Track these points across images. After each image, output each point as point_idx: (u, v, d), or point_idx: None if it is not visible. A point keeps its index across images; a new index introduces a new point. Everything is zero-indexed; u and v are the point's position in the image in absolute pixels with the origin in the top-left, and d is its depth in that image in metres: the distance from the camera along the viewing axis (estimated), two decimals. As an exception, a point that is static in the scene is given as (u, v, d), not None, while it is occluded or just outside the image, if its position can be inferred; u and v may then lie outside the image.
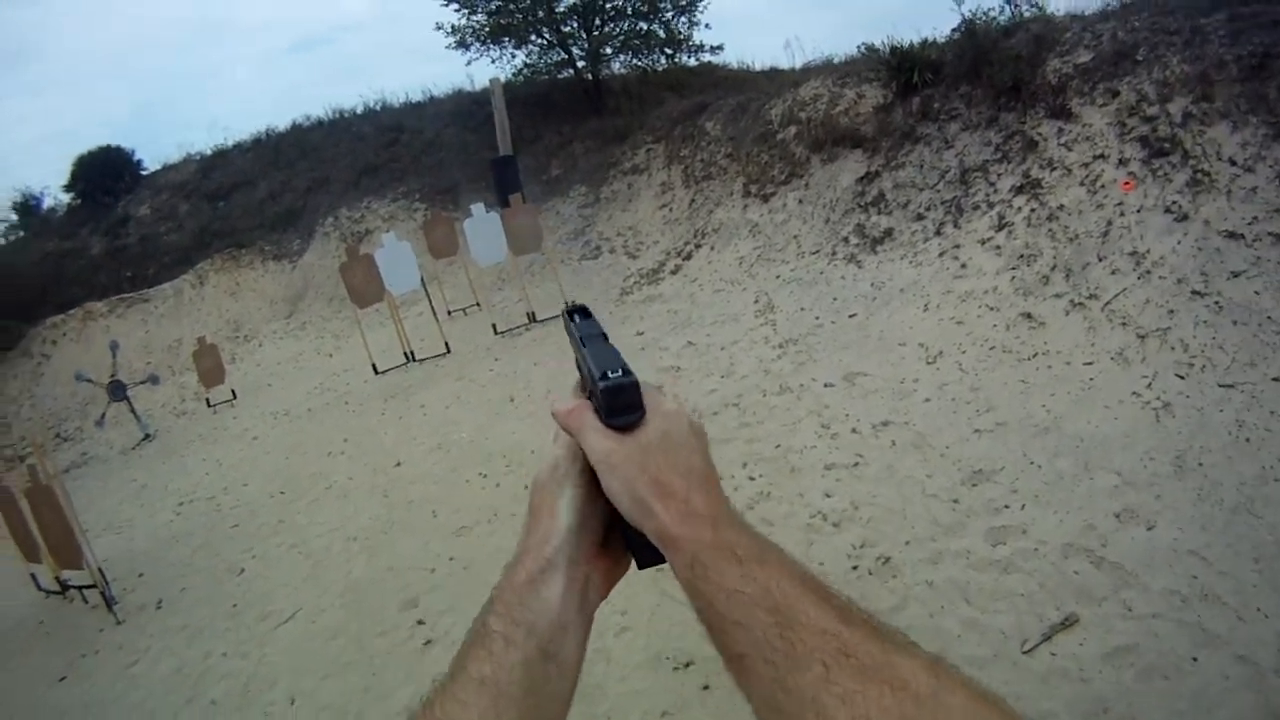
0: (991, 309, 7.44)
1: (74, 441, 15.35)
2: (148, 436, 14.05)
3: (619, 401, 0.80)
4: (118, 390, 14.26)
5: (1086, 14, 10.47)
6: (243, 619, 6.53)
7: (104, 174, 23.85)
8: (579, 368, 0.94)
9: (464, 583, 5.93)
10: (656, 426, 0.81)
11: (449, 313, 14.63)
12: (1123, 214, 7.38)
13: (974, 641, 3.91)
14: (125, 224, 22.74)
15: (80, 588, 7.88)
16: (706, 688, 4.05)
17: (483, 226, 12.70)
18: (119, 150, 24.79)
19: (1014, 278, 7.66)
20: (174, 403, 15.64)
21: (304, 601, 6.43)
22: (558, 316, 9.97)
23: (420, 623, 5.57)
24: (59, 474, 8.04)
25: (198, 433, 13.37)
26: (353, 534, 7.34)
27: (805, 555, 4.86)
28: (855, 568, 4.68)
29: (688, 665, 4.27)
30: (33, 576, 8.54)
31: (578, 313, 0.98)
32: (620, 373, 0.80)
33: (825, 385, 7.23)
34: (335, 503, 8.24)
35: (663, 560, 0.79)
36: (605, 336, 0.90)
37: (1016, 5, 11.14)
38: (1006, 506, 4.84)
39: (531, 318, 12.44)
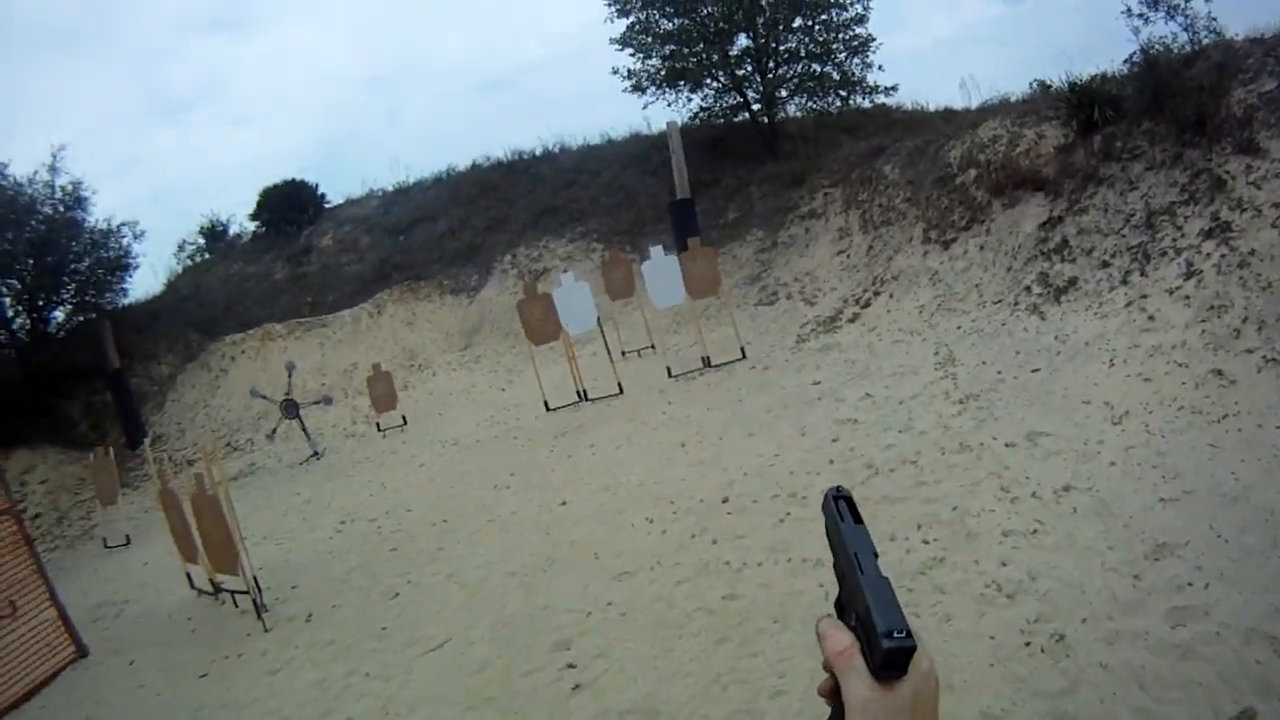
0: (1180, 365, 7.17)
1: (244, 452, 16.36)
2: (316, 454, 14.84)
3: (896, 661, 0.81)
4: (291, 408, 15.15)
5: (1267, 37, 9.97)
6: (390, 642, 6.73)
7: (289, 205, 25.38)
8: (841, 578, 0.91)
9: (620, 629, 5.98)
10: (912, 685, 0.83)
11: (623, 354, 14.87)
12: (1320, 261, 7.04)
13: None
14: (308, 253, 24.06)
15: (233, 592, 8.35)
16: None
17: (661, 269, 12.92)
18: (303, 184, 26.34)
19: (1204, 331, 7.37)
20: (344, 424, 16.45)
21: (454, 632, 6.59)
22: (732, 361, 10.11)
23: (571, 666, 5.64)
24: (225, 481, 8.51)
25: (365, 455, 13.99)
26: (511, 569, 7.48)
27: (977, 627, 4.83)
28: (1028, 644, 4.57)
29: None
30: (188, 575, 9.12)
31: (845, 502, 0.94)
32: (904, 634, 0.81)
33: (1006, 445, 7.11)
34: (496, 536, 8.44)
35: None
36: (876, 555, 0.89)
37: (1194, 32, 10.75)
38: (1189, 584, 4.66)
39: (706, 362, 12.56)
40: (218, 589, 8.63)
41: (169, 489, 9.20)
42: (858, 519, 0.92)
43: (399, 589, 7.80)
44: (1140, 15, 10.97)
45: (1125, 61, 11.22)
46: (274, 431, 15.79)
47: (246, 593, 8.01)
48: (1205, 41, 10.56)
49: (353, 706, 5.91)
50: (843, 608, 0.90)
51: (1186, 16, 10.80)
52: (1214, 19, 10.73)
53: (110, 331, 18.35)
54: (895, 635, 0.81)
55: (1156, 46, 10.70)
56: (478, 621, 6.68)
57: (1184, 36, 10.81)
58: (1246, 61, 9.41)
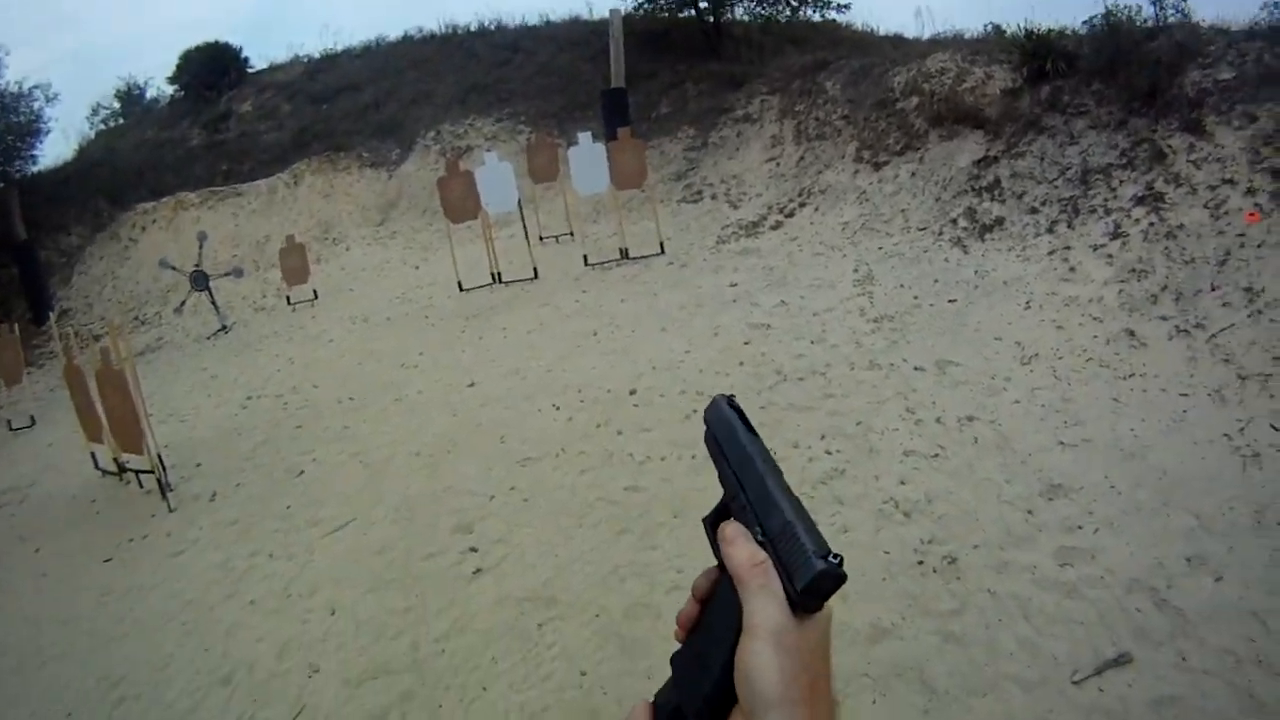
0: (1095, 319, 7.33)
1: (151, 326, 15.91)
2: (224, 328, 14.52)
3: (824, 589, 0.68)
4: (200, 280, 14.70)
5: (1233, 29, 10.15)
6: (294, 522, 6.74)
7: (210, 69, 24.31)
8: (736, 488, 0.80)
9: (522, 514, 6.04)
10: (820, 626, 0.70)
11: (541, 239, 14.73)
12: (1243, 245, 7.20)
13: (1025, 662, 3.93)
14: (226, 119, 23.14)
15: (138, 472, 8.19)
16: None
17: (587, 156, 12.72)
18: (226, 46, 25.23)
19: (1122, 291, 7.53)
20: (255, 297, 16.08)
21: (357, 512, 6.62)
22: (650, 256, 10.05)
23: (472, 550, 5.71)
24: (131, 357, 8.28)
25: (274, 329, 13.77)
26: (416, 449, 7.50)
27: (873, 541, 4.98)
28: (921, 562, 4.73)
29: None
30: (92, 455, 8.92)
31: (735, 410, 0.85)
32: (838, 561, 0.68)
33: (915, 368, 7.24)
34: (402, 415, 8.43)
35: None
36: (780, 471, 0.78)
37: (1161, 7, 10.84)
38: (1080, 527, 4.83)
39: (624, 253, 12.50)
40: (123, 469, 8.45)
41: (74, 365, 8.89)
42: (751, 430, 0.82)
43: (303, 467, 7.78)
44: (1110, -19, 10.98)
45: (1085, 22, 11.28)
46: (182, 304, 15.32)
47: (151, 472, 7.86)
48: (1170, 19, 10.64)
49: (256, 588, 5.91)
50: (728, 519, 0.79)
51: (1156, -10, 10.87)
52: (1184, 0, 10.81)
53: (17, 201, 17.56)
54: (830, 559, 0.68)
55: (1121, 14, 10.73)
56: (380, 502, 6.72)
57: (1150, 10, 10.91)
58: (1208, 47, 9.49)
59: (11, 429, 12.35)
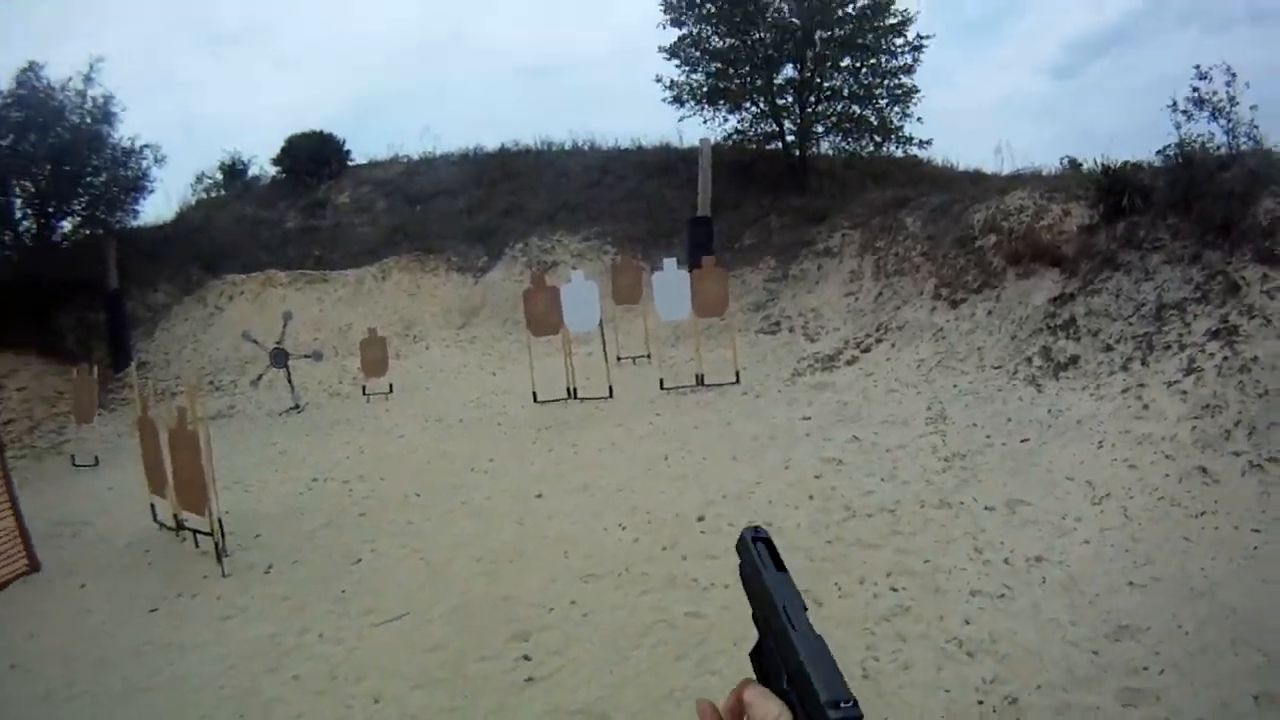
0: (1167, 457, 7.26)
1: (226, 393, 16.34)
2: (297, 407, 14.85)
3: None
4: (280, 357, 15.13)
5: (1306, 152, 10.11)
6: (347, 607, 6.76)
7: (312, 156, 25.12)
8: (763, 631, 0.84)
9: (580, 629, 6.01)
10: None
11: (619, 359, 14.86)
12: (1318, 379, 7.13)
13: None
14: (323, 207, 23.98)
15: (196, 531, 8.30)
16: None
17: (671, 281, 13.01)
18: (330, 137, 26.08)
19: (1195, 427, 7.47)
20: (330, 383, 16.45)
21: (413, 607, 6.61)
22: (726, 384, 10.17)
23: (526, 658, 5.66)
24: (205, 419, 8.51)
25: (346, 416, 14.02)
26: (479, 554, 7.51)
27: (935, 679, 4.89)
28: (981, 702, 4.63)
29: None
30: (152, 507, 9.09)
31: (764, 544, 0.87)
32: (851, 704, 0.72)
33: (985, 508, 7.18)
34: (468, 519, 8.47)
35: None
36: (806, 608, 0.81)
37: (1234, 136, 10.86)
38: (1145, 668, 4.73)
39: (700, 380, 12.61)
40: (181, 525, 8.60)
41: (149, 417, 9.21)
42: (780, 566, 0.85)
43: (362, 555, 7.83)
44: (1184, 111, 11.08)
45: (1159, 153, 11.32)
46: (259, 378, 15.77)
47: (210, 534, 7.99)
48: (1243, 146, 10.65)
49: (300, 665, 5.92)
50: (762, 663, 0.83)
51: (1229, 120, 10.90)
52: (1256, 126, 10.86)
53: (114, 250, 18.36)
54: (842, 706, 0.71)
55: (1194, 144, 10.77)
56: (438, 601, 6.70)
57: (1223, 138, 10.93)
58: (1280, 173, 9.50)
59: (75, 464, 12.81)
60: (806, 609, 0.80)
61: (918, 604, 5.83)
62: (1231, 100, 10.94)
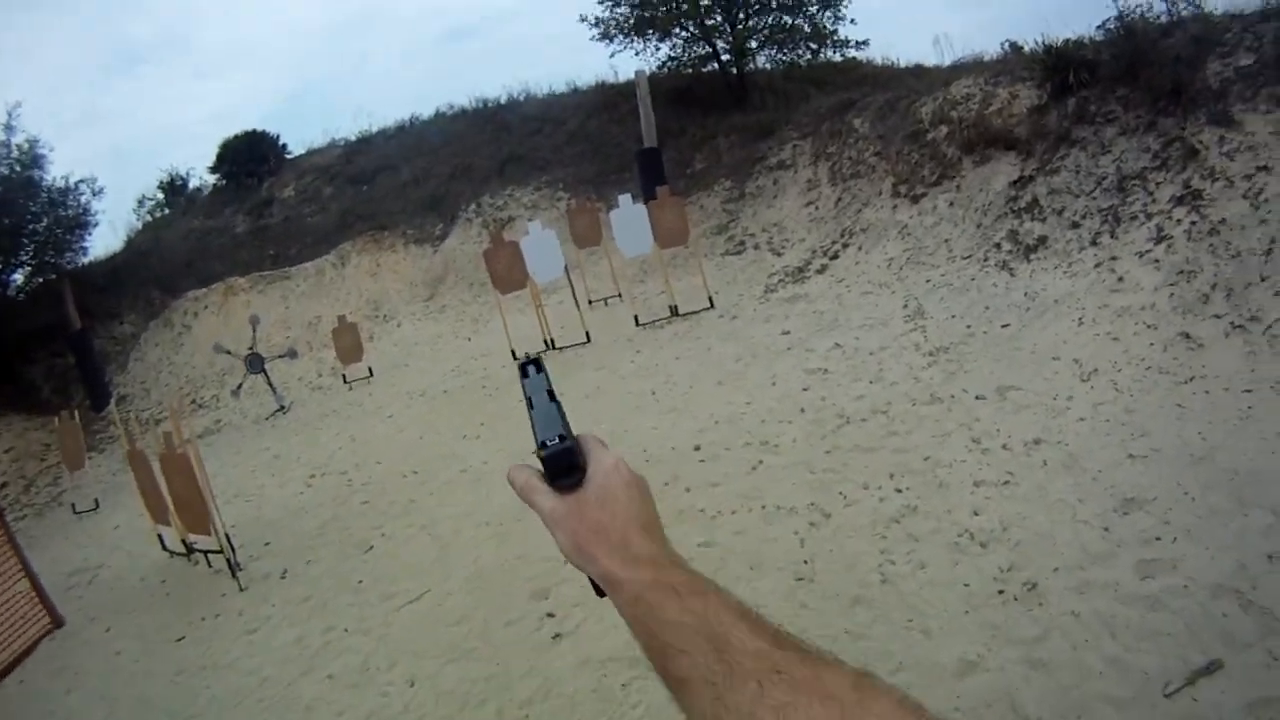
0: (1149, 326, 7.31)
1: (209, 409, 16.24)
2: (282, 408, 14.80)
3: (559, 466, 0.92)
4: (255, 362, 15.03)
5: (1246, 13, 10.09)
6: (367, 596, 6.77)
7: (249, 157, 25.10)
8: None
9: None
10: (597, 483, 0.92)
11: (590, 302, 14.87)
12: (1289, 232, 7.18)
13: (1115, 680, 3.88)
14: (269, 205, 23.83)
15: (206, 552, 8.30)
16: None
17: (629, 217, 12.89)
18: (263, 134, 26.02)
19: (1172, 294, 7.50)
20: (310, 378, 16.41)
21: (431, 584, 6.64)
22: (700, 311, 10.18)
23: (550, 615, 5.68)
24: (194, 439, 8.48)
25: (332, 408, 13.97)
26: (484, 519, 7.51)
27: (951, 575, 4.94)
28: (1001, 591, 4.68)
29: None
30: (159, 537, 9.08)
31: (531, 366, 1.03)
32: (557, 440, 0.91)
33: (976, 398, 7.24)
34: (468, 487, 8.47)
35: None
36: (551, 393, 0.98)
37: (1173, 3, 10.82)
38: (1158, 538, 4.77)
39: (674, 311, 12.63)
40: (190, 549, 8.59)
41: (137, 449, 9.10)
42: (540, 370, 1.01)
43: (372, 542, 7.84)
44: (1121, -18, 10.99)
45: (1100, 27, 11.27)
46: (239, 387, 15.61)
47: (220, 552, 7.98)
48: (1184, 13, 10.62)
49: (333, 663, 5.94)
50: None
51: (1167, -14, 10.84)
52: (1194, -8, 10.78)
53: (70, 291, 18.06)
54: (548, 444, 0.91)
55: (1134, 14, 10.73)
56: (453, 573, 6.72)
57: (1161, 6, 10.88)
58: (1224, 35, 9.48)
59: (76, 511, 12.70)
60: (554, 393, 0.98)
61: (924, 501, 5.88)
62: (1167, -33, 10.86)
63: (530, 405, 0.96)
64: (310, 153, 26.15)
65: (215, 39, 60.96)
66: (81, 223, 20.35)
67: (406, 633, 6.06)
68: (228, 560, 7.89)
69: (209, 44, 61.60)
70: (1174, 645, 3.99)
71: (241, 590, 7.59)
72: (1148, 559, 4.64)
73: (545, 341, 12.78)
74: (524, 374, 1.01)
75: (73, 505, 12.94)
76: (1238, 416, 5.81)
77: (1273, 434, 5.49)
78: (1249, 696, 3.61)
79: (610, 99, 22.37)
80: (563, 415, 0.95)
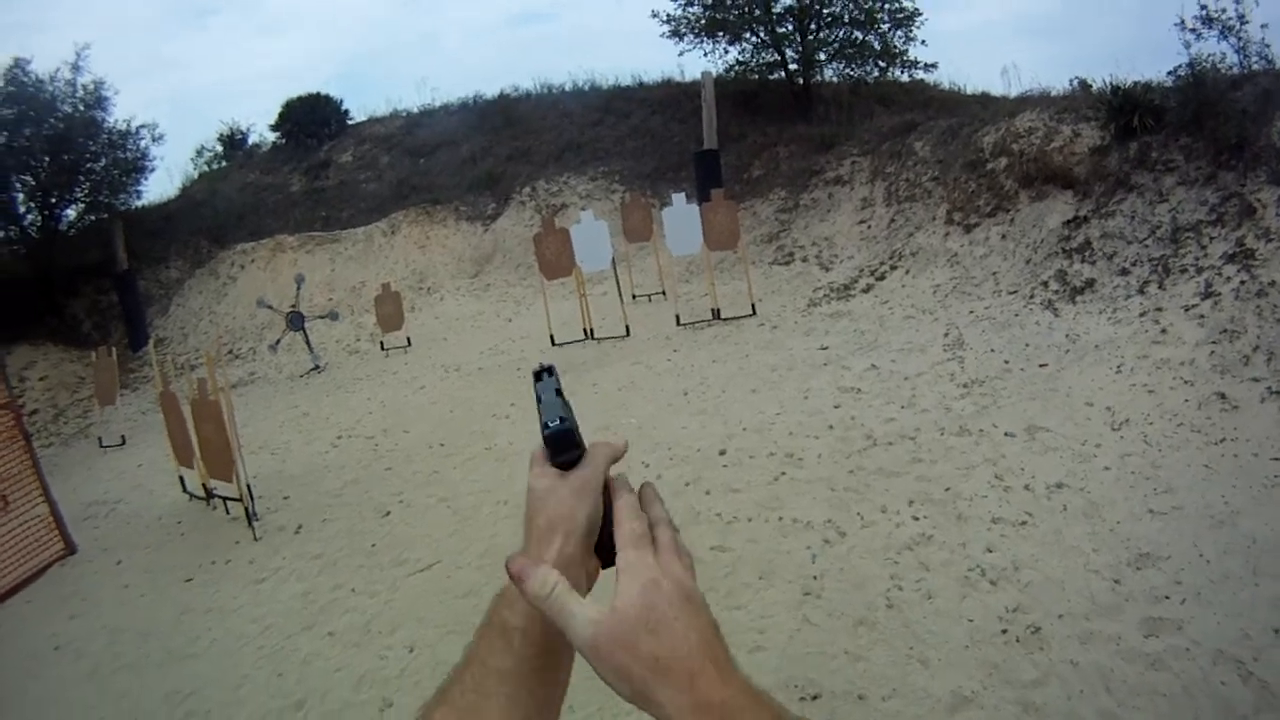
0: (1186, 382, 7.26)
1: (245, 360, 16.57)
2: (317, 368, 15.03)
3: (559, 444, 0.94)
4: (296, 320, 15.30)
5: (1320, 70, 9.99)
6: (378, 560, 6.88)
7: (311, 118, 25.25)
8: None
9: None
10: (637, 598, 0.78)
11: (634, 297, 14.94)
12: (1338, 301, 7.12)
13: None
14: (326, 168, 23.99)
15: (225, 499, 8.49)
16: (834, 724, 4.17)
17: (681, 216, 12.94)
18: (327, 98, 26.18)
19: (1213, 352, 7.45)
20: (349, 341, 16.60)
21: (443, 555, 6.72)
22: (742, 317, 10.26)
23: None
24: (227, 388, 8.63)
25: (367, 373, 14.15)
26: (504, 498, 7.58)
27: (957, 608, 4.94)
28: (1004, 631, 4.68)
29: (815, 698, 4.35)
30: (180, 479, 9.29)
31: (544, 372, 1.03)
32: (560, 421, 0.93)
33: (1006, 434, 7.20)
34: (492, 464, 8.55)
35: (609, 566, 0.90)
36: (560, 391, 0.99)
37: (1245, 55, 10.71)
38: (1167, 597, 4.75)
39: (716, 314, 12.66)
40: (210, 494, 8.76)
41: (169, 391, 9.33)
42: (551, 375, 1.02)
43: (391, 508, 7.94)
44: (1193, 30, 10.84)
45: (1170, 73, 11.14)
46: (277, 342, 15.86)
47: (239, 500, 8.14)
48: (1255, 66, 10.50)
49: (336, 620, 6.05)
50: None
51: (1240, 39, 10.69)
52: (1267, 45, 10.64)
53: (121, 233, 18.68)
54: (550, 425, 0.93)
55: (1205, 63, 10.62)
56: (467, 547, 6.80)
57: (1234, 58, 10.75)
58: (1295, 92, 9.39)
59: (102, 445, 13.05)
60: (562, 391, 0.99)
61: (940, 532, 5.87)
62: (1241, 18, 10.70)
63: (539, 401, 0.98)
64: (371, 120, 26.30)
65: (284, -3, 61.30)
66: (139, 166, 20.84)
67: (412, 600, 6.16)
68: (246, 509, 8.04)
69: (278, 1, 61.95)
70: (1169, 707, 3.98)
71: (256, 540, 7.74)
72: (1154, 617, 4.62)
73: (585, 330, 12.85)
74: (537, 379, 1.01)
75: (99, 439, 13.30)
76: (1264, 484, 5.75)
77: (1296, 505, 5.44)
78: (1233, 767, 3.58)
79: (674, 97, 22.40)
80: (568, 406, 0.97)
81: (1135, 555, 5.23)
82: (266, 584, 6.86)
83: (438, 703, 0.85)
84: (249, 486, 8.13)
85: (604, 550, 0.92)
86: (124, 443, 12.88)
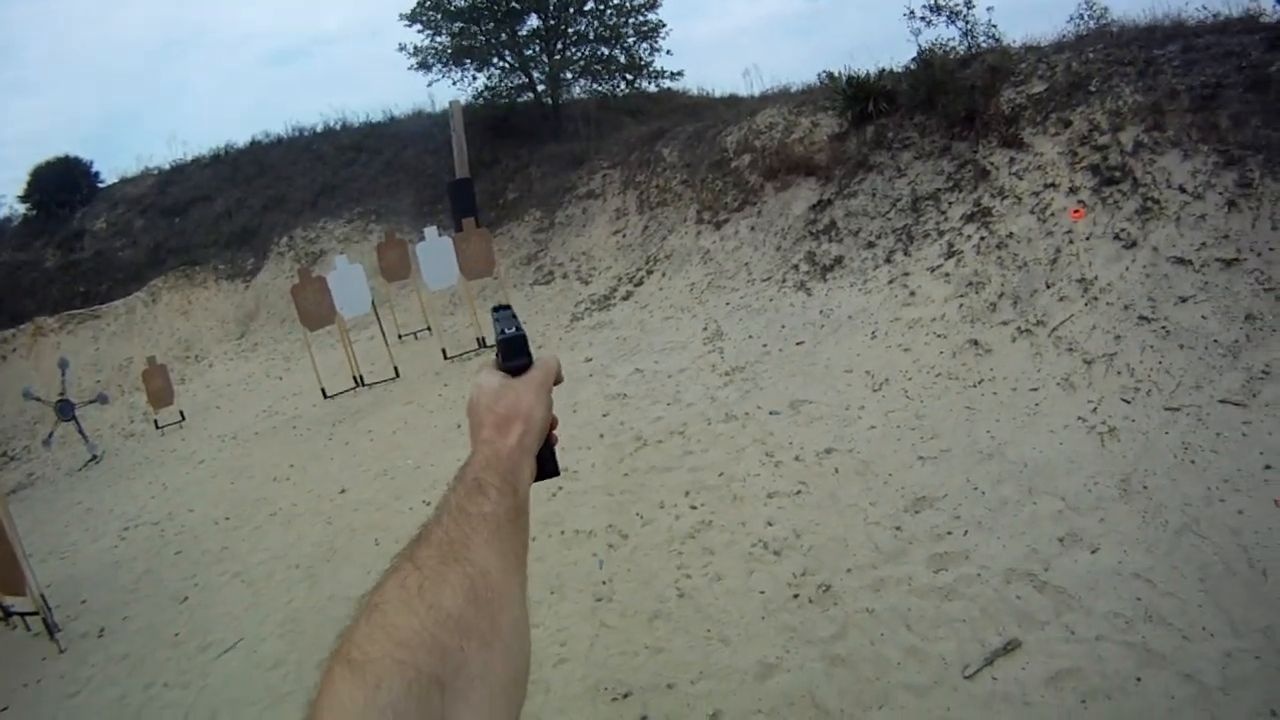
0: (939, 336, 7.42)
1: (21, 461, 15.06)
2: (95, 458, 13.74)
3: (511, 349, 1.04)
4: (66, 409, 13.98)
5: (1042, 45, 10.54)
6: (184, 649, 6.39)
7: (60, 185, 23.58)
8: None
9: None
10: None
11: (400, 337, 14.55)
12: (1072, 241, 7.39)
13: (914, 668, 3.88)
14: (80, 237, 22.48)
15: (23, 614, 7.65)
16: (645, 718, 4.01)
17: (434, 250, 12.56)
18: (76, 161, 24.53)
19: (962, 305, 7.65)
20: (123, 423, 15.38)
21: (245, 631, 6.32)
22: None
23: None
24: (4, 495, 7.88)
25: (145, 455, 13.13)
26: (295, 561, 7.23)
27: (747, 584, 4.86)
28: (796, 595, 4.62)
29: (626, 696, 4.22)
30: None
31: (505, 308, 1.17)
32: (513, 330, 1.05)
33: (770, 413, 7.15)
34: (279, 530, 8.10)
35: (547, 476, 1.03)
36: (514, 317, 1.12)
37: (974, 37, 11.19)
38: (949, 533, 4.81)
39: (481, 343, 12.35)
40: (6, 613, 7.87)
41: None
42: (508, 309, 1.16)
43: (187, 592, 7.40)
44: (922, 18, 11.34)
45: (906, 66, 11.58)
46: (50, 436, 14.46)
47: (37, 614, 7.33)
48: (983, 44, 11.00)
49: (155, 719, 5.59)
50: None
51: (967, 22, 11.21)
52: (994, 26, 11.19)
53: None
54: (506, 332, 1.05)
55: (938, 49, 11.06)
56: (266, 618, 6.42)
57: (962, 41, 11.25)
58: (1019, 66, 9.93)
59: None
60: (515, 317, 1.12)
61: (719, 516, 5.77)
62: (968, 3, 11.23)
63: (497, 323, 1.09)
64: (123, 181, 24.89)
65: (34, 52, 57.69)
66: None
67: (224, 682, 5.74)
68: (45, 622, 7.25)
69: (27, 57, 58.27)
70: (970, 630, 4.03)
71: (61, 652, 7.02)
72: (940, 552, 4.67)
73: (354, 378, 12.27)
74: (494, 312, 1.16)
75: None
76: (1026, 413, 5.92)
77: (1060, 426, 5.62)
78: (1050, 669, 3.69)
79: (426, 129, 22.16)
80: (519, 325, 1.08)
81: (912, 500, 5.26)
82: (80, 696, 6.23)
83: (419, 543, 0.90)
84: (44, 597, 7.31)
85: (540, 461, 1.02)
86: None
